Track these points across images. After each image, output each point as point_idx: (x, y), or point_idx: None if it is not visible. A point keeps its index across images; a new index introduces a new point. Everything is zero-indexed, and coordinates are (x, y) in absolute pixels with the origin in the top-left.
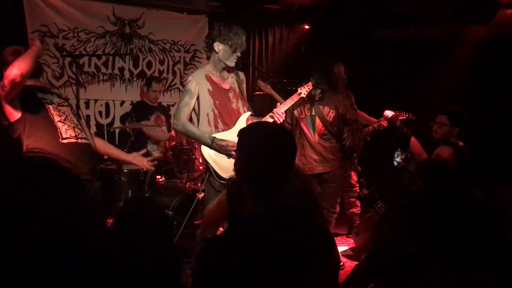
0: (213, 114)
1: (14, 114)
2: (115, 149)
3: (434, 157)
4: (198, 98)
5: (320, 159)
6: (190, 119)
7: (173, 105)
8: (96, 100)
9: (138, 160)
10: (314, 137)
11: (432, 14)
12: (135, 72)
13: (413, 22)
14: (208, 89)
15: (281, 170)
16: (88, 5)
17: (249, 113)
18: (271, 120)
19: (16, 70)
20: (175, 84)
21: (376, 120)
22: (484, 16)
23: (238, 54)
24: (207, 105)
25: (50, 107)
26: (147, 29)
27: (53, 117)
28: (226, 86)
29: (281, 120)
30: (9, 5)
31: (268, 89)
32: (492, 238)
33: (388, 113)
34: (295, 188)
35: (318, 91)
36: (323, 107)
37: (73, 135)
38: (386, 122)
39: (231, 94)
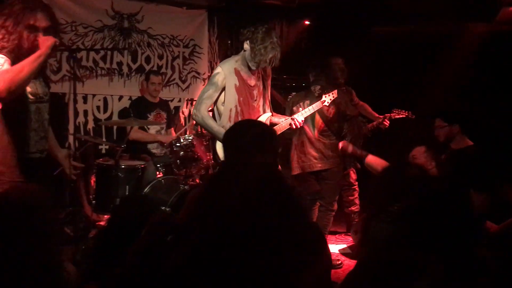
0: (235, 111)
1: None
2: (54, 145)
3: (410, 157)
4: (223, 91)
5: (320, 156)
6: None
7: (171, 101)
8: (94, 95)
9: (64, 162)
10: (313, 134)
11: (433, 11)
12: (134, 67)
13: (414, 19)
14: (235, 85)
15: (265, 165)
16: None
17: (269, 114)
18: (287, 125)
19: (2, 85)
20: (174, 79)
21: (377, 115)
22: (486, 14)
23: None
24: (232, 100)
25: (33, 106)
26: (146, 23)
27: (30, 123)
28: (252, 82)
29: (299, 126)
30: None
31: None
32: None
33: (340, 144)
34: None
35: (318, 87)
36: None
37: (40, 149)
38: (387, 122)
39: (255, 92)
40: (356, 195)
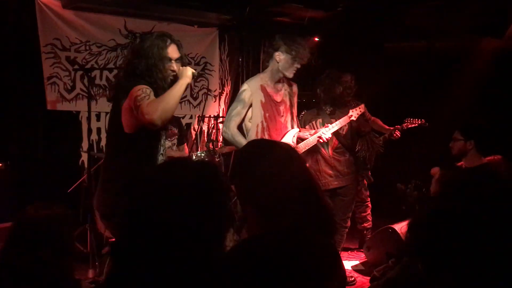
0: (261, 126)
1: (127, 128)
2: None
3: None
4: (251, 107)
5: (335, 173)
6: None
7: (183, 117)
8: (107, 113)
9: None
10: (328, 152)
11: (444, 27)
12: None
13: (426, 35)
14: (261, 101)
15: (285, 188)
16: (100, 18)
17: (297, 130)
18: (315, 140)
19: (156, 114)
20: (186, 96)
21: (389, 128)
22: (497, 29)
23: (298, 65)
24: (258, 116)
25: (163, 132)
26: None
27: (160, 148)
28: (278, 98)
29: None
30: (22, 18)
31: None
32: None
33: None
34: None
35: (328, 106)
36: (336, 121)
37: None
38: (398, 133)
39: (281, 108)
40: (369, 211)
